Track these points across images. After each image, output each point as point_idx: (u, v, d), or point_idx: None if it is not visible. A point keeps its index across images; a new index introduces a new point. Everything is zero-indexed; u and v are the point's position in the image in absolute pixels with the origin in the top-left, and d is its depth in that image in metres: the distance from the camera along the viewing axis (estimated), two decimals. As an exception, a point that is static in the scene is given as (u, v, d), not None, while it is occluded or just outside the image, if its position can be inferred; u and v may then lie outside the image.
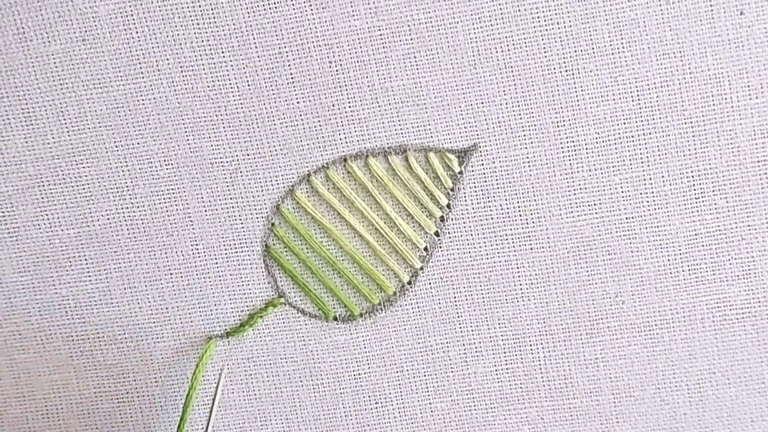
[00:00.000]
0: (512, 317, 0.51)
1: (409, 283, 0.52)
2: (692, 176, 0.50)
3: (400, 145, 0.50)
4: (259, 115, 0.50)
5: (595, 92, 0.49)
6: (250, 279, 0.52)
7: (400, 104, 0.50)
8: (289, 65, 0.49)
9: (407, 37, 0.49)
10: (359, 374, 0.52)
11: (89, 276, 0.52)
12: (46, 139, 0.50)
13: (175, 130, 0.50)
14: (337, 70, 0.49)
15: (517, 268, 0.51)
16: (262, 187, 0.51)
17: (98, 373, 0.52)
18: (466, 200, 0.51)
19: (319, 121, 0.50)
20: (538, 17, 0.48)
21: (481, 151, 0.50)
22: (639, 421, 0.52)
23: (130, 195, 0.51)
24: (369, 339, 0.52)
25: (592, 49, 0.48)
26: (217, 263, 0.51)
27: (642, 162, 0.50)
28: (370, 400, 0.52)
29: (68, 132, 0.50)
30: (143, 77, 0.50)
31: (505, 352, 0.52)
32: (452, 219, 0.51)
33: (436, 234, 0.51)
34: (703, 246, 0.50)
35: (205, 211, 0.51)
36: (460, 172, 0.50)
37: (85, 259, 0.51)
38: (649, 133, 0.49)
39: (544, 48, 0.49)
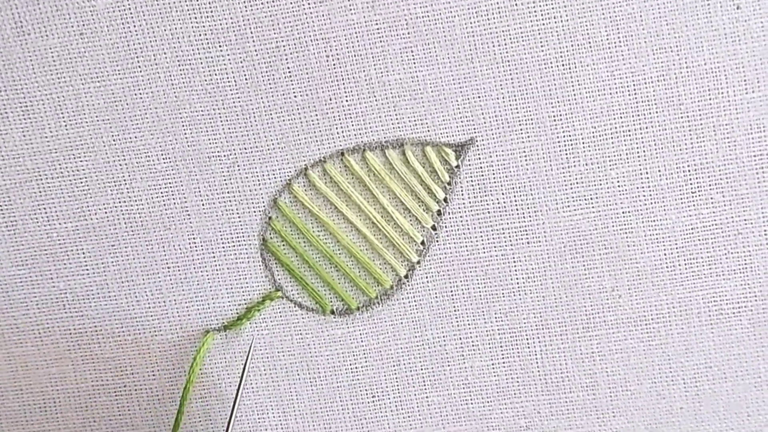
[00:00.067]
0: (509, 311, 0.52)
1: (406, 276, 0.52)
2: (689, 170, 0.50)
3: (398, 139, 0.50)
4: (256, 109, 0.50)
5: (592, 86, 0.49)
6: (247, 273, 0.52)
7: (398, 98, 0.50)
8: (286, 59, 0.49)
9: (404, 31, 0.49)
10: (356, 368, 0.52)
11: (87, 269, 0.52)
12: (44, 132, 0.50)
13: (172, 124, 0.50)
14: (334, 64, 0.49)
15: (514, 262, 0.51)
16: (259, 180, 0.51)
17: (96, 367, 0.52)
18: (463, 194, 0.51)
19: (317, 114, 0.50)
20: (535, 11, 0.48)
21: (478, 145, 0.50)
22: (635, 415, 0.52)
23: (127, 189, 0.51)
24: (366, 333, 0.52)
25: (589, 43, 0.49)
26: (214, 257, 0.51)
27: (639, 156, 0.50)
28: (367, 394, 0.53)
29: (66, 126, 0.50)
30: (141, 71, 0.50)
31: (501, 346, 0.52)
32: (449, 213, 0.51)
33: (433, 228, 0.51)
34: (699, 240, 0.50)
35: (203, 204, 0.51)
36: (457, 166, 0.50)
37: (83, 253, 0.51)
38: (646, 128, 0.49)
39: (541, 42, 0.49)
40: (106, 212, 0.51)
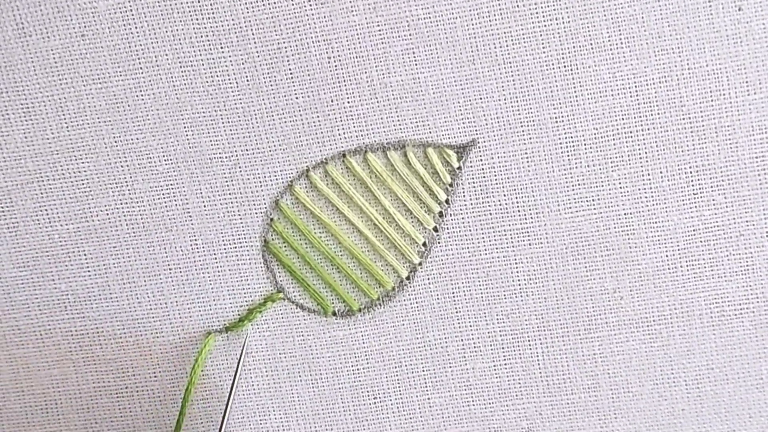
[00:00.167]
0: (511, 313, 0.51)
1: (408, 278, 0.52)
2: (690, 172, 0.50)
3: (399, 141, 0.50)
4: (258, 111, 0.50)
5: (594, 88, 0.49)
6: (249, 274, 0.52)
7: (399, 100, 0.50)
8: (288, 61, 0.49)
9: (406, 33, 0.49)
10: (358, 369, 0.52)
11: (88, 271, 0.52)
12: (46, 134, 0.50)
13: (174, 126, 0.50)
14: (335, 66, 0.49)
15: (516, 263, 0.51)
16: (261, 182, 0.51)
17: (97, 368, 0.52)
18: (464, 196, 0.51)
19: (318, 116, 0.50)
20: (537, 13, 0.48)
21: (479, 147, 0.50)
22: (637, 416, 0.52)
23: (129, 190, 0.51)
24: (368, 334, 0.52)
25: (591, 44, 0.49)
26: (216, 258, 0.51)
27: (640, 158, 0.50)
28: (368, 395, 0.53)
29: (67, 127, 0.50)
30: (142, 73, 0.50)
31: (503, 348, 0.52)
32: (451, 214, 0.51)
33: (435, 229, 0.51)
34: (701, 242, 0.50)
35: (204, 206, 0.51)
36: (459, 168, 0.50)
37: (84, 254, 0.51)
38: (648, 129, 0.49)
39: (543, 44, 0.49)
40: (107, 214, 0.51)
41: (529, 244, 0.51)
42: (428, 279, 0.51)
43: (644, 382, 0.52)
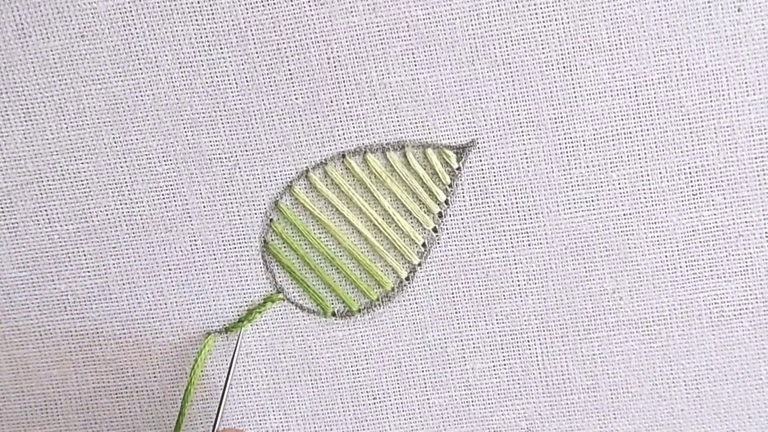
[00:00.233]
0: (510, 313, 0.52)
1: (407, 279, 0.52)
2: (690, 173, 0.50)
3: (399, 142, 0.50)
4: (257, 112, 0.50)
5: (593, 89, 0.49)
6: (248, 275, 0.52)
7: (399, 100, 0.50)
8: (287, 61, 0.49)
9: (405, 34, 0.49)
10: (357, 370, 0.52)
11: (88, 271, 0.52)
12: (45, 135, 0.50)
13: (173, 127, 0.50)
14: (335, 67, 0.49)
15: (515, 264, 0.51)
16: (260, 183, 0.51)
17: (97, 369, 0.52)
18: (464, 196, 0.51)
19: (318, 117, 0.50)
20: (536, 13, 0.48)
21: (479, 148, 0.50)
22: (636, 417, 0.52)
23: (128, 191, 0.51)
24: (367, 335, 0.52)
25: (590, 45, 0.49)
26: (215, 259, 0.51)
27: (639, 158, 0.50)
28: (368, 396, 0.53)
29: (67, 128, 0.50)
30: (142, 73, 0.50)
31: (502, 348, 0.52)
32: (450, 215, 0.51)
33: (434, 230, 0.51)
34: (700, 242, 0.50)
35: (204, 207, 0.51)
36: (459, 169, 0.50)
37: (84, 255, 0.51)
38: (647, 130, 0.49)
39: (542, 44, 0.49)
40: (107, 214, 0.51)
41: (529, 245, 0.51)
42: (428, 280, 0.51)
43: (644, 383, 0.52)
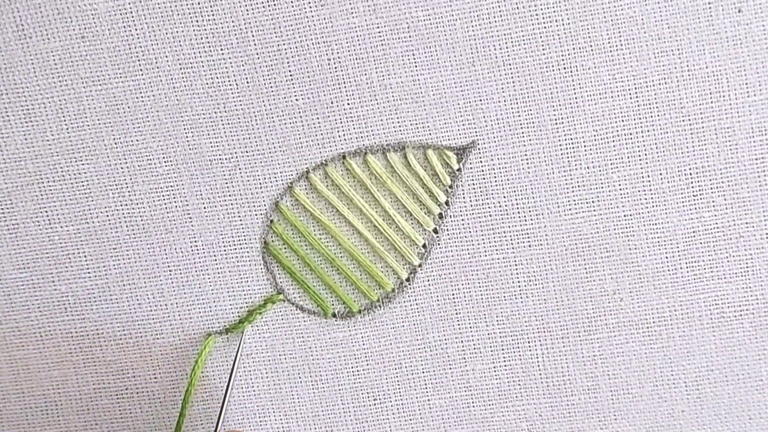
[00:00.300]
0: (510, 314, 0.52)
1: (408, 280, 0.52)
2: (690, 174, 0.50)
3: (399, 143, 0.50)
4: (257, 113, 0.50)
5: (594, 89, 0.49)
6: (248, 276, 0.52)
7: (399, 101, 0.50)
8: (288, 62, 0.49)
9: (406, 35, 0.49)
10: (358, 371, 0.52)
11: (88, 273, 0.52)
12: (46, 136, 0.50)
13: (174, 128, 0.50)
14: (335, 68, 0.49)
15: (516, 265, 0.51)
16: (260, 184, 0.51)
17: (97, 370, 0.52)
18: (464, 197, 0.51)
19: (318, 118, 0.50)
20: (537, 14, 0.48)
21: (479, 149, 0.50)
22: (637, 418, 0.52)
23: (129, 192, 0.51)
24: (367, 336, 0.52)
25: (591, 46, 0.49)
26: (216, 260, 0.51)
27: (640, 159, 0.50)
28: (368, 397, 0.53)
29: (67, 129, 0.50)
30: (142, 74, 0.50)
31: (503, 349, 0.52)
32: (451, 216, 0.51)
33: (435, 231, 0.51)
34: (701, 243, 0.50)
35: (204, 208, 0.51)
36: (459, 170, 0.50)
37: (85, 256, 0.51)
38: (648, 131, 0.49)
39: (543, 45, 0.49)
40: (107, 215, 0.51)
41: (529, 246, 0.51)
42: (428, 281, 0.51)
43: (644, 384, 0.52)
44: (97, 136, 0.50)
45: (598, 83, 0.49)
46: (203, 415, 0.53)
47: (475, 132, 0.50)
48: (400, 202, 0.51)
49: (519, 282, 0.51)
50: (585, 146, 0.50)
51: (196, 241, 0.51)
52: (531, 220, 0.50)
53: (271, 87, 0.50)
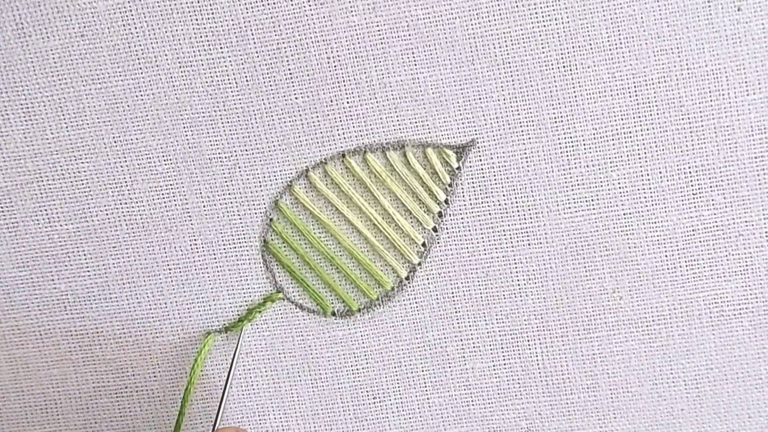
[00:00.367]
0: (510, 313, 0.52)
1: (407, 278, 0.52)
2: (690, 172, 0.50)
3: (399, 141, 0.50)
4: (257, 111, 0.50)
5: (593, 88, 0.49)
6: (248, 274, 0.52)
7: (399, 100, 0.50)
8: (287, 61, 0.49)
9: (405, 33, 0.49)
10: (357, 369, 0.52)
11: (88, 271, 0.52)
12: (45, 134, 0.50)
13: (173, 126, 0.50)
14: (335, 66, 0.49)
15: (515, 263, 0.51)
16: (260, 182, 0.51)
17: (97, 368, 0.53)
18: (464, 196, 0.51)
19: (318, 116, 0.50)
20: (536, 13, 0.48)
21: (479, 147, 0.50)
22: (636, 416, 0.52)
23: (128, 190, 0.51)
24: (367, 334, 0.52)
25: (590, 44, 0.49)
26: (215, 259, 0.51)
27: (639, 158, 0.50)
28: (368, 395, 0.53)
29: (67, 127, 0.50)
30: (142, 73, 0.50)
31: (502, 348, 0.52)
32: (450, 215, 0.51)
33: (434, 229, 0.51)
34: (700, 242, 0.50)
35: (204, 206, 0.51)
36: (458, 168, 0.50)
37: (84, 255, 0.51)
38: (647, 129, 0.49)
39: (542, 44, 0.49)
40: (107, 214, 0.51)
41: (529, 245, 0.51)
42: (427, 279, 0.51)
43: (643, 382, 0.52)
44: (97, 134, 0.50)
45: (598, 82, 0.49)
46: (203, 414, 0.53)
47: (475, 130, 0.50)
48: (399, 200, 0.51)
49: (518, 280, 0.51)
50: (584, 145, 0.50)
51: (195, 240, 0.51)
52: (530, 218, 0.50)
53: (270, 85, 0.50)
